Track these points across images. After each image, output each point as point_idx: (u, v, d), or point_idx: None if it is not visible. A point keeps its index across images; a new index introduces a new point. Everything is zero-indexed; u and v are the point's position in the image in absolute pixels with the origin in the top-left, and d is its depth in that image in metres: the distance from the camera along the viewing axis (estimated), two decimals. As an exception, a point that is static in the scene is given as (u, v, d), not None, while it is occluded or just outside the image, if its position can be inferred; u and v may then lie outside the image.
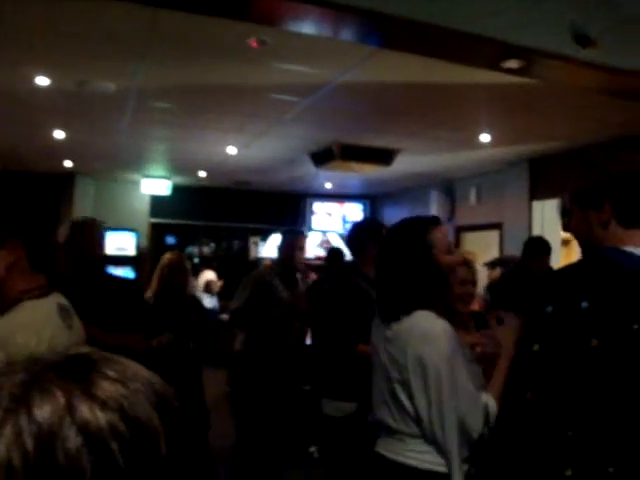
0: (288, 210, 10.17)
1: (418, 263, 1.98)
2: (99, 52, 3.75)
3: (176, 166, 8.24)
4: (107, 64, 4.01)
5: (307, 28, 2.95)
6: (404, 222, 2.12)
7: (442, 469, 1.86)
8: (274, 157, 7.12)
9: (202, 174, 8.55)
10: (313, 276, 7.93)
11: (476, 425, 1.84)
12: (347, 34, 3.07)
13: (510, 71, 3.43)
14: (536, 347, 1.48)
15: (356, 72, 4.01)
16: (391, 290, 2.02)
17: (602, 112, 4.65)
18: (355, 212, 10.25)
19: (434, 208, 8.17)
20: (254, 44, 3.41)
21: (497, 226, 7.35)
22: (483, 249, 7.10)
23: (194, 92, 4.64)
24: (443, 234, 2.07)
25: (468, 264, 2.63)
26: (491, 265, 6.07)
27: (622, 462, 1.40)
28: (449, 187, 8.41)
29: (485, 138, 5.78)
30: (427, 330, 1.92)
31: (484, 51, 3.15)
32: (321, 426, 3.43)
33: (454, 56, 3.33)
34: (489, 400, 1.88)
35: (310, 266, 6.94)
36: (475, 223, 7.80)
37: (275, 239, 7.06)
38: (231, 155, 6.91)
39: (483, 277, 5.63)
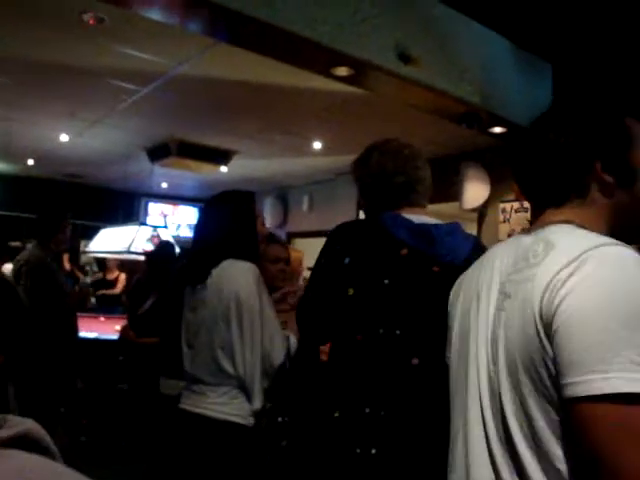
0: (121, 208, 9.86)
1: (245, 226, 2.16)
2: None
3: (0, 151, 7.70)
4: None
5: (153, 13, 2.91)
6: (232, 192, 2.29)
7: (239, 420, 2.02)
8: (108, 149, 6.88)
9: (30, 162, 8.04)
10: (122, 275, 7.80)
11: (278, 357, 2.01)
12: (194, 25, 3.10)
13: (340, 79, 3.66)
14: (315, 295, 1.71)
15: (195, 64, 4.01)
16: (210, 249, 2.15)
17: (426, 130, 5.01)
18: (190, 215, 10.16)
19: (268, 214, 8.36)
20: (91, 21, 3.29)
21: (328, 233, 7.62)
22: (313, 255, 7.33)
23: (23, 67, 4.31)
24: (259, 209, 2.30)
25: (284, 245, 2.82)
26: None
27: (375, 403, 1.58)
28: (283, 194, 8.65)
29: (318, 145, 6.03)
30: (239, 268, 2.10)
31: (316, 56, 3.31)
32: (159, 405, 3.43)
33: (289, 58, 3.45)
34: (291, 335, 2.08)
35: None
36: (307, 230, 8.09)
37: (105, 235, 6.84)
38: (63, 143, 6.53)
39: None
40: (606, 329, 0.90)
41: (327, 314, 1.66)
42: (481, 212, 5.69)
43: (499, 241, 4.52)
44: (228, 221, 2.20)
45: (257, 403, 2.03)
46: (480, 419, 1.11)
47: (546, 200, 1.19)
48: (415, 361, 1.60)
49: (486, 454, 1.09)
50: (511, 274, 1.11)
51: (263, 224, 2.31)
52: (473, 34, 4.12)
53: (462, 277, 1.34)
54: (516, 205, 5.22)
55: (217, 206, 2.28)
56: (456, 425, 1.21)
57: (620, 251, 0.98)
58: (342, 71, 3.51)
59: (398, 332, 1.60)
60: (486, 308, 1.16)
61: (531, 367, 1.00)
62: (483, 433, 1.10)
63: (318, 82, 3.97)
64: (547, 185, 1.19)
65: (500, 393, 1.07)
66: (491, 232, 5.48)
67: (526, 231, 1.20)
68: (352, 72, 3.52)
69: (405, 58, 3.54)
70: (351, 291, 1.62)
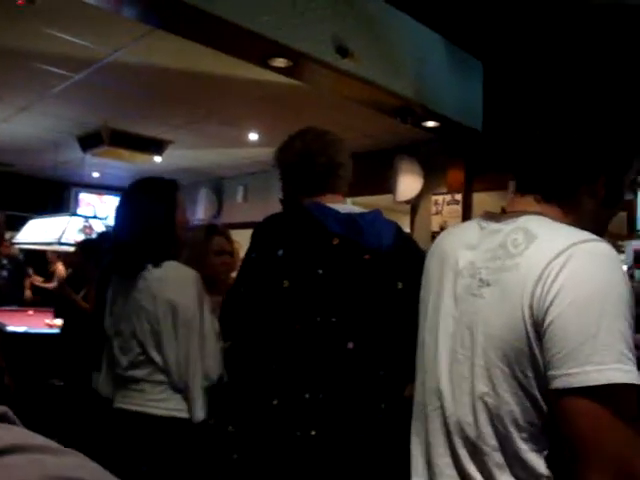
0: (51, 198, 9.58)
1: (166, 217, 2.13)
2: None
3: None
4: None
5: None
6: (152, 180, 2.25)
7: (180, 414, 2.00)
8: (38, 137, 6.66)
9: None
10: (60, 266, 7.59)
11: (216, 367, 2.01)
12: (129, 11, 3.02)
13: (278, 70, 3.67)
14: (248, 289, 1.71)
15: (130, 51, 3.94)
16: (138, 242, 2.12)
17: (362, 123, 5.09)
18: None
19: (202, 205, 8.30)
20: (19, 1, 3.14)
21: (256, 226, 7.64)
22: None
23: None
24: (183, 197, 2.27)
25: (228, 237, 2.79)
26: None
27: (314, 388, 1.63)
28: (218, 185, 8.59)
29: (254, 137, 6.02)
30: (179, 276, 2.06)
31: (253, 46, 3.31)
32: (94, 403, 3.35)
33: (226, 48, 3.44)
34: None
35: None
36: (242, 221, 8.05)
37: (34, 225, 6.65)
38: (-12, 129, 6.27)
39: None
40: (599, 324, 0.95)
41: (263, 307, 1.68)
42: (414, 204, 5.81)
43: (432, 232, 4.62)
44: (148, 210, 2.14)
45: (199, 414, 2.01)
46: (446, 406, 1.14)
47: (537, 189, 1.20)
48: (350, 345, 1.65)
49: (447, 439, 1.12)
50: (487, 261, 1.12)
51: (185, 213, 2.27)
52: (408, 30, 4.20)
53: (427, 261, 1.34)
54: (448, 197, 5.37)
55: (136, 194, 2.22)
56: (421, 404, 1.23)
57: (604, 247, 1.03)
58: (280, 62, 3.52)
59: (334, 319, 1.65)
60: (457, 294, 1.17)
61: (512, 356, 1.03)
62: (445, 420, 1.13)
63: (255, 73, 3.97)
64: (548, 178, 1.19)
65: (472, 380, 1.09)
66: (424, 224, 5.61)
67: (493, 217, 1.21)
68: (290, 64, 3.54)
69: (343, 51, 3.59)
70: (286, 283, 1.65)
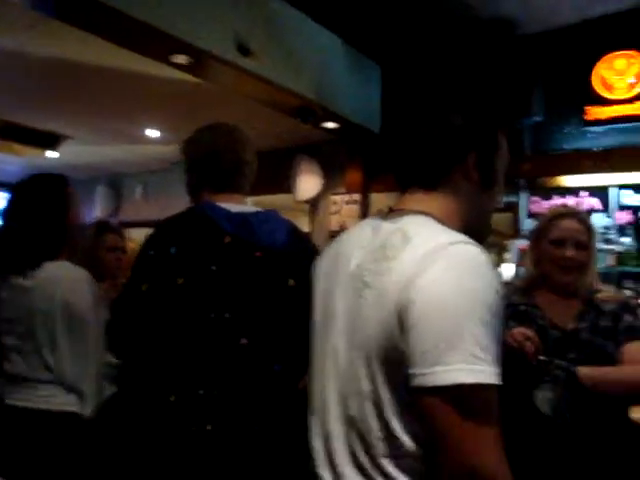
0: None
1: (56, 215, 2.09)
2: None
3: None
4: None
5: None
6: (41, 176, 2.19)
7: (71, 408, 1.98)
8: None
9: None
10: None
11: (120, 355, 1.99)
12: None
13: (179, 67, 3.66)
14: (145, 287, 1.68)
15: (24, 41, 3.80)
16: (27, 240, 2.06)
17: (263, 122, 5.08)
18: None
19: (99, 202, 8.07)
20: None
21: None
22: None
23: None
24: (76, 194, 2.21)
25: (120, 234, 2.77)
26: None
27: (209, 384, 1.65)
28: (116, 182, 8.38)
29: (154, 134, 5.93)
30: (72, 276, 2.03)
31: (154, 42, 3.29)
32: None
33: (126, 42, 3.39)
34: None
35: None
36: (140, 219, 7.89)
37: None
38: None
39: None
40: (451, 326, 0.98)
41: (158, 305, 1.67)
42: (313, 204, 5.90)
43: (330, 232, 4.74)
44: (36, 208, 2.08)
45: (89, 409, 2.00)
46: (338, 401, 1.16)
47: (414, 181, 1.22)
48: (244, 341, 1.68)
49: (343, 432, 1.15)
50: (369, 263, 1.14)
51: (78, 211, 2.22)
52: (310, 32, 4.29)
53: (320, 259, 1.35)
54: (346, 197, 5.50)
55: (24, 191, 2.15)
56: (314, 406, 1.26)
57: (470, 250, 1.05)
58: (181, 59, 3.51)
59: (227, 315, 1.67)
60: (346, 293, 1.19)
61: (389, 356, 1.06)
62: (339, 413, 1.16)
63: (156, 69, 3.93)
64: (419, 165, 1.22)
65: (358, 379, 1.11)
66: (323, 223, 5.71)
67: (384, 215, 1.23)
68: (191, 61, 3.53)
69: (244, 50, 3.62)
70: (180, 280, 1.65)
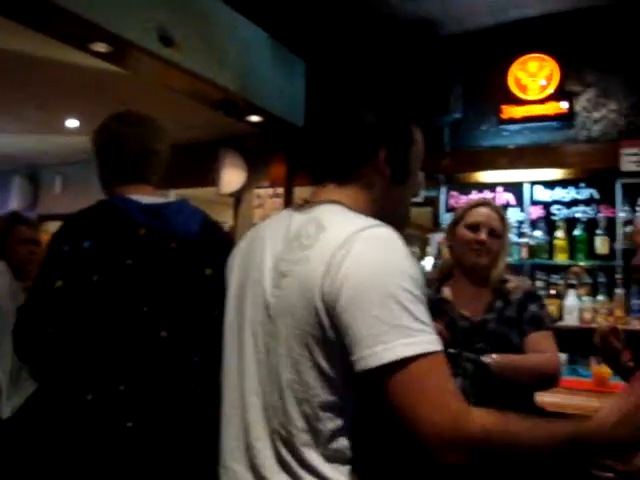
0: None
1: None
2: None
3: None
4: None
5: None
6: None
7: None
8: None
9: None
10: None
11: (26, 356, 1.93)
12: None
13: (98, 55, 3.57)
14: (59, 283, 1.62)
15: None
16: None
17: (186, 114, 5.02)
18: None
19: (16, 194, 7.78)
20: None
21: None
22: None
23: None
24: None
25: (33, 226, 2.72)
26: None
27: (129, 379, 1.63)
28: (33, 173, 8.09)
29: (74, 124, 5.77)
30: None
31: (72, 28, 3.21)
32: None
33: (44, 28, 3.29)
34: None
35: None
36: (60, 212, 7.65)
37: None
38: None
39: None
40: (382, 304, 1.00)
41: (75, 302, 1.62)
42: (238, 197, 5.88)
43: (253, 224, 4.77)
44: None
45: (6, 410, 1.94)
46: (257, 392, 1.16)
47: (327, 175, 1.25)
48: (164, 334, 1.67)
49: (263, 423, 1.15)
50: (285, 253, 1.15)
51: None
52: (235, 25, 4.27)
53: (236, 250, 1.35)
54: (270, 191, 5.51)
55: None
56: (231, 398, 1.24)
57: (384, 231, 1.09)
58: (100, 47, 3.43)
59: (146, 309, 1.65)
60: (261, 283, 1.19)
61: (312, 344, 1.07)
62: (260, 405, 1.16)
63: (76, 57, 3.84)
64: (331, 160, 1.25)
65: (278, 368, 1.12)
66: (246, 216, 5.70)
67: (298, 207, 1.25)
68: (110, 49, 3.46)
69: (166, 41, 3.58)
70: (95, 277, 1.61)
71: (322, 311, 1.05)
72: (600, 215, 4.21)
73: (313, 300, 1.06)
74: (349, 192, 1.23)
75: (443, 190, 4.66)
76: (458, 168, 4.57)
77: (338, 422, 1.09)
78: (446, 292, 2.20)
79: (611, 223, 4.13)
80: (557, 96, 4.36)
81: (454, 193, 4.67)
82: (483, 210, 2.19)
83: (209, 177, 5.77)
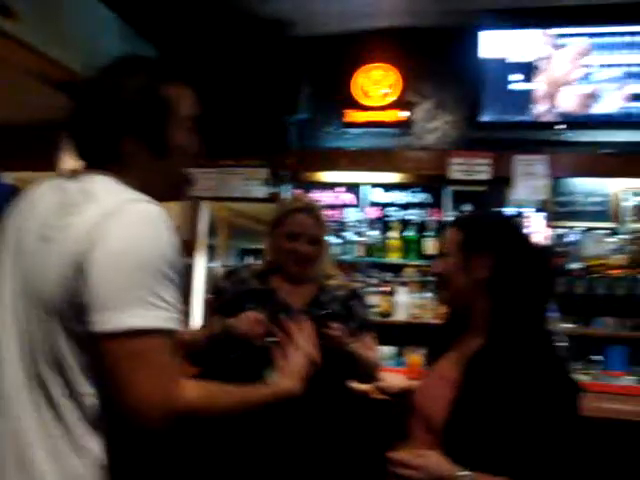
0: None
1: None
2: None
3: None
4: None
5: None
6: None
7: None
8: None
9: None
10: None
11: None
12: None
13: None
14: None
15: None
16: None
17: (25, 93, 4.76)
18: None
19: None
20: None
21: None
22: None
23: None
24: None
25: None
26: None
27: None
28: None
29: None
30: None
31: None
32: None
33: None
34: None
35: None
36: None
37: None
38: None
39: None
40: (130, 276, 1.05)
41: None
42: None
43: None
44: None
45: None
46: (20, 366, 1.14)
47: (91, 154, 1.27)
48: None
49: (24, 394, 1.13)
50: (52, 219, 1.16)
51: None
52: (82, 2, 4.12)
53: (7, 220, 1.31)
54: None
55: None
56: None
57: (149, 208, 1.13)
58: None
59: None
60: (23, 248, 1.19)
61: (64, 309, 1.09)
62: (22, 377, 1.13)
63: None
64: (88, 140, 1.27)
65: (31, 336, 1.12)
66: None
67: (68, 176, 1.26)
68: None
69: (4, 10, 3.38)
70: None
71: (75, 275, 1.08)
72: (430, 218, 4.53)
73: (68, 264, 1.08)
74: (115, 168, 1.25)
75: (286, 187, 4.78)
76: (302, 167, 4.70)
77: (96, 391, 1.11)
78: (273, 283, 2.26)
79: (440, 226, 4.46)
80: (397, 105, 4.64)
81: (298, 191, 4.80)
82: (301, 218, 2.20)
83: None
